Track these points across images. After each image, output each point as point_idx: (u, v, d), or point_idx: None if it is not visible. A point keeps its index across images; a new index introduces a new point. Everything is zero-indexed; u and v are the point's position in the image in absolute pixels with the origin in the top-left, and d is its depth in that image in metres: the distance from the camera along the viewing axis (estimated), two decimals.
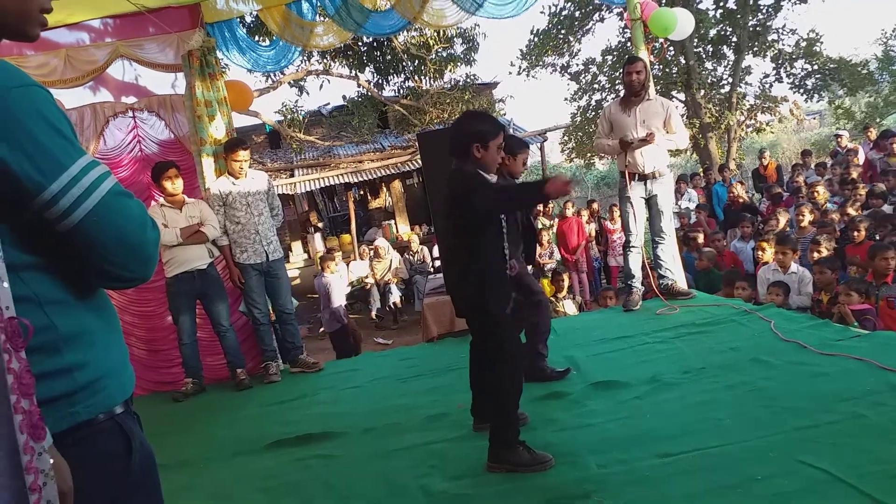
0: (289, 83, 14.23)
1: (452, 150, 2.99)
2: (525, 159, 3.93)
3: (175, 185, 4.98)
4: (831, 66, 16.72)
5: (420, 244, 11.38)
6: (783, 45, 17.06)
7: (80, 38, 5.63)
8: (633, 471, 2.69)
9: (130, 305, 5.60)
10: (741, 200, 9.50)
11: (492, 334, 3.01)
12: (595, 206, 11.64)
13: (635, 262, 5.44)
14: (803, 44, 16.68)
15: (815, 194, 8.15)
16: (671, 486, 2.50)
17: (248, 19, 9.94)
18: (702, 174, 11.83)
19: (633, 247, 5.42)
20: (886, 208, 7.02)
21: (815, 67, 16.92)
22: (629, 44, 6.43)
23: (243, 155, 5.10)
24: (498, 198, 2.91)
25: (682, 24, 5.49)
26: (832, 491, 2.23)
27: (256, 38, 9.47)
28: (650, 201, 5.38)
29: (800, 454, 2.52)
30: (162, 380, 5.53)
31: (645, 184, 5.30)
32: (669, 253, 5.54)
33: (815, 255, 5.72)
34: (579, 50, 19.66)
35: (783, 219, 7.71)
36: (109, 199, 1.10)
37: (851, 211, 7.06)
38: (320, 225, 15.44)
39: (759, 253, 6.34)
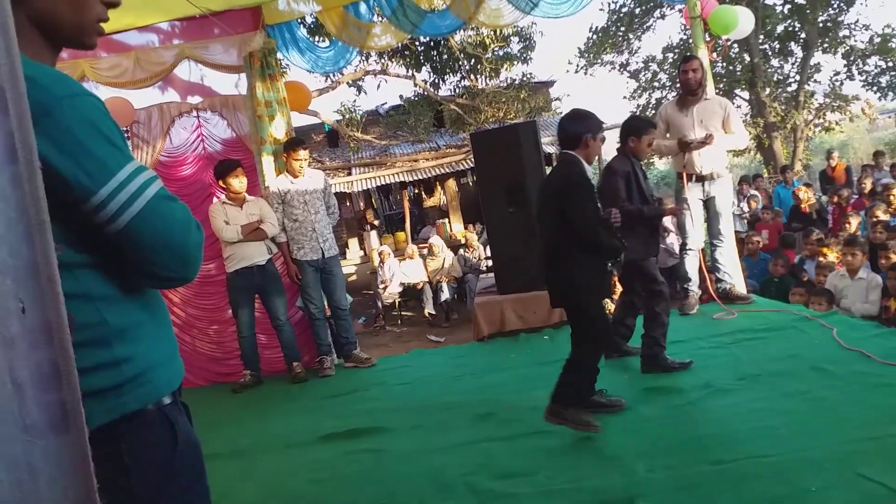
0: (347, 83, 14.45)
1: (566, 143, 3.32)
2: (650, 140, 4.07)
3: (242, 183, 5.14)
4: None
5: (478, 242, 11.40)
6: (855, 41, 16.35)
7: (150, 40, 5.85)
8: (681, 477, 2.65)
9: (194, 299, 5.81)
10: (810, 207, 9.06)
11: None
12: None
13: (692, 264, 5.33)
14: (877, 40, 15.95)
15: (892, 197, 7.76)
16: (720, 493, 2.47)
17: (309, 20, 10.13)
18: (765, 176, 11.46)
19: (689, 249, 5.31)
20: None
21: (890, 64, 16.16)
22: (691, 41, 6.28)
23: (303, 154, 5.23)
24: (598, 230, 3.21)
25: (742, 22, 5.35)
26: None
27: (315, 38, 9.65)
28: (708, 203, 5.26)
29: (858, 466, 2.44)
30: (222, 371, 5.72)
31: (702, 185, 5.19)
32: (728, 256, 5.41)
33: (884, 261, 5.47)
34: (639, 47, 19.50)
35: (855, 221, 7.36)
36: (155, 203, 1.15)
37: None
38: (376, 223, 15.62)
39: (821, 259, 6.09)
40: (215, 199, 5.41)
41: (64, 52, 1.28)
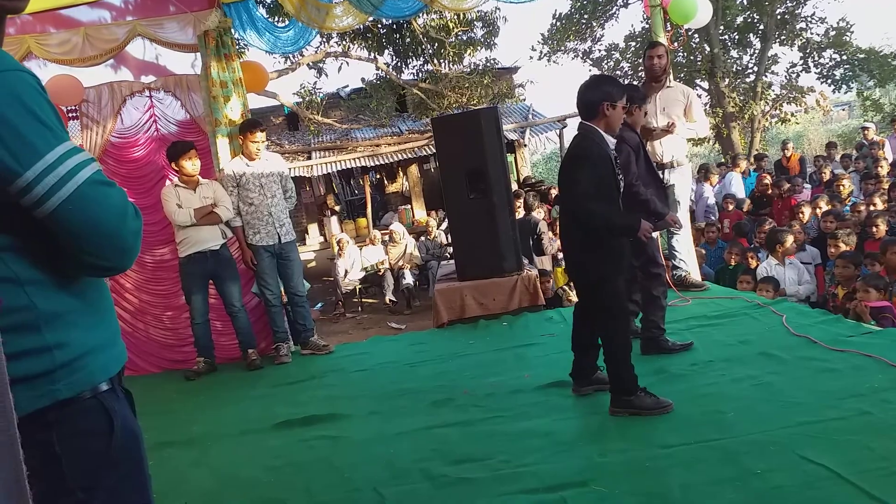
0: (307, 65, 14.20)
1: (584, 113, 3.17)
2: (645, 109, 4.11)
3: (195, 165, 5.01)
4: (860, 56, 16.38)
5: (438, 228, 11.39)
6: (811, 34, 16.75)
7: (102, 16, 5.63)
8: (632, 461, 2.70)
9: (146, 284, 5.66)
10: (769, 193, 9.20)
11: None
12: None
13: None
14: (832, 33, 16.36)
15: (841, 187, 7.98)
16: (669, 476, 2.51)
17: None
18: (728, 163, 11.67)
19: None
20: None
21: (844, 58, 16.60)
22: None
23: (260, 136, 5.12)
24: (590, 207, 3.06)
25: (701, 12, 5.42)
26: (831, 487, 2.22)
27: (274, 19, 9.45)
28: (667, 191, 5.31)
29: (801, 449, 2.51)
30: (175, 358, 5.59)
31: (662, 173, 5.24)
32: (684, 244, 5.49)
33: (833, 250, 5.63)
34: (602, 35, 19.39)
35: (808, 211, 7.53)
36: (87, 188, 1.10)
37: (879, 203, 6.91)
38: (337, 208, 15.44)
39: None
40: (168, 182, 5.28)
41: (10, 28, 1.21)
